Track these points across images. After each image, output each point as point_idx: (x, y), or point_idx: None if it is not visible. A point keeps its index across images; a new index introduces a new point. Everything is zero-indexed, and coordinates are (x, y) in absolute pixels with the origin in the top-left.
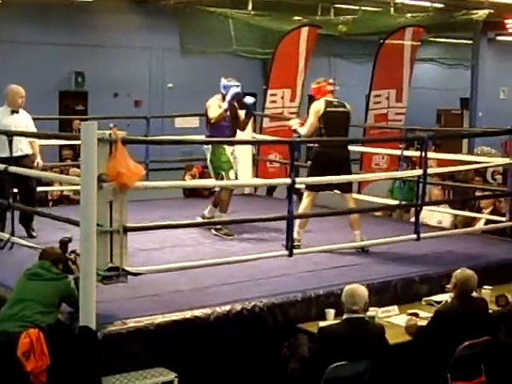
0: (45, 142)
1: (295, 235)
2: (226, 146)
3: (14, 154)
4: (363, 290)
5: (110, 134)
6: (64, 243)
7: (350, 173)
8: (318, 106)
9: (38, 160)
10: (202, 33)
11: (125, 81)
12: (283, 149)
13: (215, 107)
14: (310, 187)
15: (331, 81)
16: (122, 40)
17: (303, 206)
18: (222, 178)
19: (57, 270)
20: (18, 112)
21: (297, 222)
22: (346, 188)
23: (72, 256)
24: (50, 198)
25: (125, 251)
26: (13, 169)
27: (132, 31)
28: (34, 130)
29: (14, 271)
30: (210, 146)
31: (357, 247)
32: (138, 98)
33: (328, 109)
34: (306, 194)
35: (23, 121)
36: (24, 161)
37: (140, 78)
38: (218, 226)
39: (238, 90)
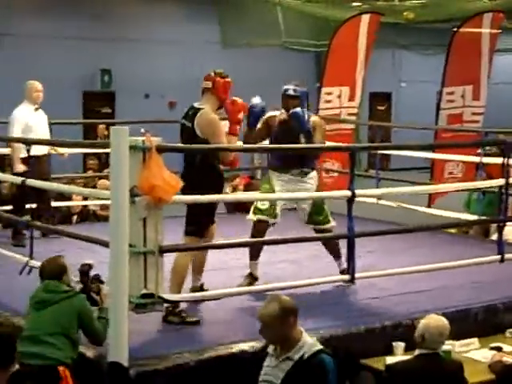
0: (67, 150)
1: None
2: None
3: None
4: (446, 324)
5: (144, 141)
6: (84, 273)
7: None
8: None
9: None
10: (246, 23)
11: (157, 79)
12: (341, 156)
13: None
14: None
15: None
16: (154, 33)
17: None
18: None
19: (65, 287)
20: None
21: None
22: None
23: (93, 286)
24: (73, 212)
25: (161, 275)
26: (31, 182)
27: (165, 22)
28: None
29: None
30: None
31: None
32: (173, 98)
33: None
34: None
35: (44, 119)
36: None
37: (175, 75)
38: None
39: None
